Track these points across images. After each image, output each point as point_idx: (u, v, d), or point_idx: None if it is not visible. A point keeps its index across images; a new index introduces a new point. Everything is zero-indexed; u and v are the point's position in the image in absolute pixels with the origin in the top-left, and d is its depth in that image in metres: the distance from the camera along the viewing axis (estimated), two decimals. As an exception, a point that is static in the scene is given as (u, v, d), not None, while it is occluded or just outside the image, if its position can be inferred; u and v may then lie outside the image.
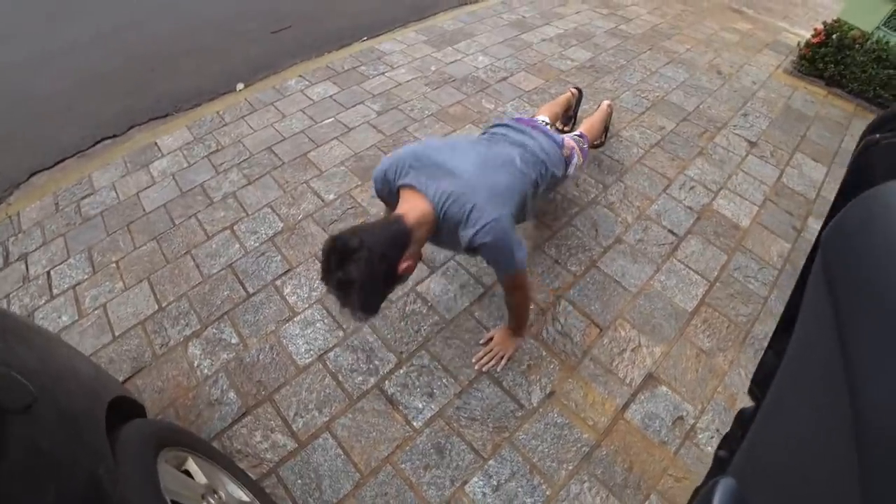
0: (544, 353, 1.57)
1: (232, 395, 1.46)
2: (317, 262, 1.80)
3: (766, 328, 1.69)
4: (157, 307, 1.68)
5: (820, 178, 2.29)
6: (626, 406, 1.47)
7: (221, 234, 1.90)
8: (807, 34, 3.09)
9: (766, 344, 1.66)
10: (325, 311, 1.65)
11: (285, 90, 2.62)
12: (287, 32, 3.25)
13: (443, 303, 1.69)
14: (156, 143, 2.37)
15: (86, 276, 1.81)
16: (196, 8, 3.80)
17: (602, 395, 1.49)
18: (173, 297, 1.71)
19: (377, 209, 1.98)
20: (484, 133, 1.66)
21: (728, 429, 0.64)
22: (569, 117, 2.36)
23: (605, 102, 2.32)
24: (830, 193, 2.24)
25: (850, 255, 0.41)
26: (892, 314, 0.36)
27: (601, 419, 1.43)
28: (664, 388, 1.51)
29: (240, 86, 2.64)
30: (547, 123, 1.88)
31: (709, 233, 1.99)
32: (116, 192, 2.14)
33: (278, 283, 1.74)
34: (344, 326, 1.62)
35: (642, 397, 1.49)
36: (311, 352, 1.55)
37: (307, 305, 1.67)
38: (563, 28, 3.37)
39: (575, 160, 1.71)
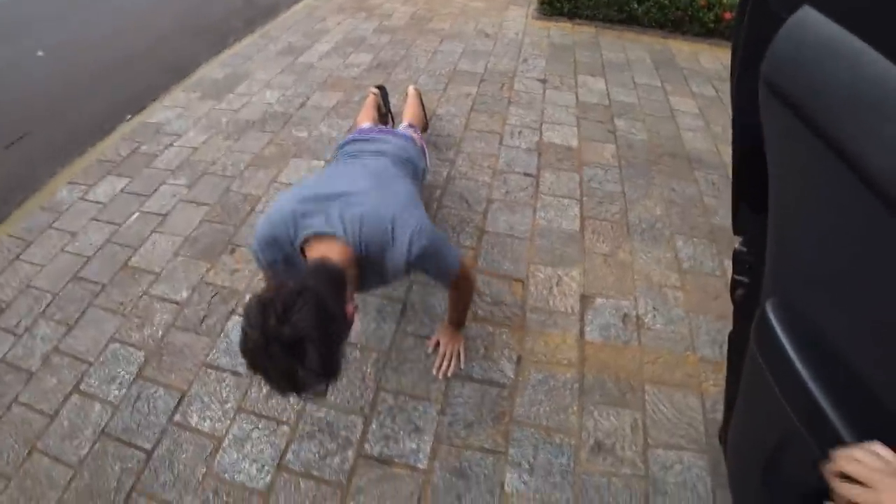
0: (491, 329, 1.57)
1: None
2: (208, 370, 1.49)
3: (637, 213, 1.96)
4: (22, 543, 1.20)
5: (603, 87, 2.72)
6: (582, 332, 1.55)
7: (68, 403, 1.43)
8: (532, -14, 3.64)
9: (643, 227, 1.92)
10: (253, 417, 1.38)
11: (59, 205, 2.08)
12: (26, 141, 2.57)
13: (370, 337, 1.55)
14: None
15: None
16: None
17: (559, 334, 1.54)
18: (42, 515, 1.23)
19: (246, 284, 1.72)
20: (337, 157, 1.55)
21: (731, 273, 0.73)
22: (384, 115, 2.35)
23: (411, 87, 2.38)
24: (618, 96, 2.69)
25: (802, 67, 0.46)
26: (862, 85, 0.41)
27: (572, 354, 1.49)
28: (600, 300, 1.64)
29: (-11, 224, 2.00)
30: None
31: (554, 162, 2.20)
32: None
33: (178, 418, 1.39)
34: (284, 419, 1.37)
35: (589, 317, 1.59)
36: (266, 467, 1.27)
37: (229, 422, 1.37)
38: (334, 40, 3.36)
39: (426, 149, 1.72)
